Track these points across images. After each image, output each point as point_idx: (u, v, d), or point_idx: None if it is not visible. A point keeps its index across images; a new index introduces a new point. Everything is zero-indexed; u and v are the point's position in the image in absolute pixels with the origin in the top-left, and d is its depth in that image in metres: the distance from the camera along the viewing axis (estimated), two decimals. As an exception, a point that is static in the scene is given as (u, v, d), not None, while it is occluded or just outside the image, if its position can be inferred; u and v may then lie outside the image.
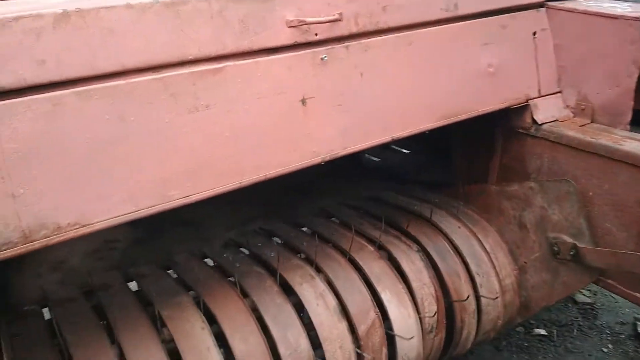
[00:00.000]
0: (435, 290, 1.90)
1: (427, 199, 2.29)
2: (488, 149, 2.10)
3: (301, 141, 1.46)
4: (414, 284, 1.87)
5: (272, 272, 1.82)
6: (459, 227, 2.10)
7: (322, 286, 1.76)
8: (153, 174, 1.25)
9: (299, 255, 1.93)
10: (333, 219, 2.23)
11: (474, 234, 2.08)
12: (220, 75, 1.31)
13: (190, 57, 1.28)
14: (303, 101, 1.45)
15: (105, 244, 2.15)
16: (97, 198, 1.19)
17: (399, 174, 2.79)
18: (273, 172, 1.42)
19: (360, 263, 1.87)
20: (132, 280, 1.84)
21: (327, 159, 1.51)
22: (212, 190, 1.32)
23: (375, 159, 3.04)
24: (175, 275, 1.85)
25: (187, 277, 1.79)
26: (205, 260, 1.96)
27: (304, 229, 2.14)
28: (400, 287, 1.84)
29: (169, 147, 1.26)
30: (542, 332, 2.70)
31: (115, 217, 1.22)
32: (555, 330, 2.71)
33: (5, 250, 1.10)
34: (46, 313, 1.71)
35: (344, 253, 1.92)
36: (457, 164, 2.31)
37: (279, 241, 2.06)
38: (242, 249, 2.00)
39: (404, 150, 3.09)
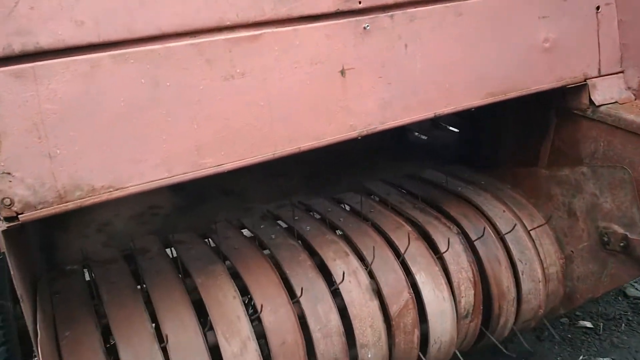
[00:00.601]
0: (474, 275, 1.84)
1: (472, 179, 2.21)
2: (539, 130, 1.99)
3: (338, 114, 1.42)
4: (451, 267, 1.81)
5: (307, 246, 1.80)
6: (504, 211, 2.01)
7: (355, 263, 1.73)
8: (186, 141, 1.25)
9: (335, 231, 1.91)
10: (372, 196, 2.18)
11: (519, 219, 1.99)
12: (257, 43, 1.29)
13: (227, 23, 1.26)
14: (342, 72, 1.40)
15: (149, 210, 2.20)
16: (131, 162, 1.20)
17: (446, 154, 2.71)
18: (307, 145, 1.39)
19: (397, 242, 1.82)
20: (170, 247, 1.87)
21: (365, 133, 1.47)
22: (244, 160, 1.31)
23: (423, 137, 2.96)
24: (212, 244, 1.86)
25: (223, 246, 1.80)
26: (243, 230, 1.97)
27: (343, 205, 2.11)
28: (437, 269, 1.79)
29: (203, 114, 1.25)
30: (588, 324, 2.59)
31: (149, 182, 1.23)
32: (601, 324, 2.59)
33: (40, 209, 1.13)
34: (87, 273, 1.77)
35: (381, 231, 1.88)
36: (505, 145, 2.21)
37: (317, 216, 2.04)
38: (280, 222, 1.99)
39: (453, 129, 2.99)
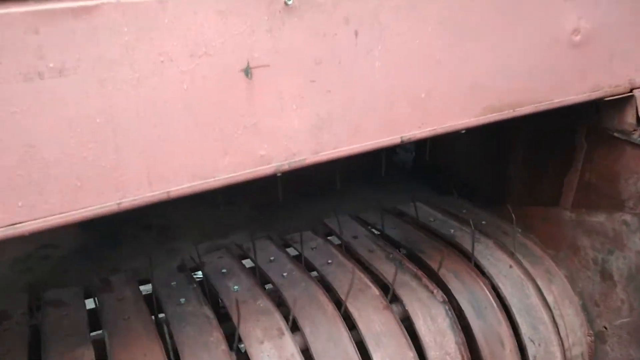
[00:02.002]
0: (463, 358, 1.30)
1: (470, 218, 1.66)
2: (563, 158, 1.44)
3: (239, 138, 0.89)
4: (431, 353, 1.27)
5: (226, 319, 1.28)
6: (510, 267, 1.46)
7: (291, 348, 1.20)
8: None
9: (271, 293, 1.38)
10: (335, 238, 1.65)
11: (532, 279, 1.44)
12: (90, 19, 0.76)
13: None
14: (247, 71, 0.88)
15: (37, 251, 1.68)
16: None
17: (441, 179, 2.16)
18: (182, 188, 0.87)
19: (355, 315, 1.29)
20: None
21: (286, 168, 0.94)
22: (59, 216, 0.79)
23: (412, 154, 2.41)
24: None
25: (105, 314, 1.28)
26: (148, 284, 1.45)
27: (290, 249, 1.58)
28: (410, 355, 1.25)
29: (-17, 139, 0.73)
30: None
31: None
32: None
33: None
34: None
35: (336, 296, 1.35)
36: (514, 175, 1.65)
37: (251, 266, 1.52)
38: (198, 275, 1.47)
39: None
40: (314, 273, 1.45)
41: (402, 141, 1.02)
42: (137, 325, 1.23)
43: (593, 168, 1.37)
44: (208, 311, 1.29)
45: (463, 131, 1.09)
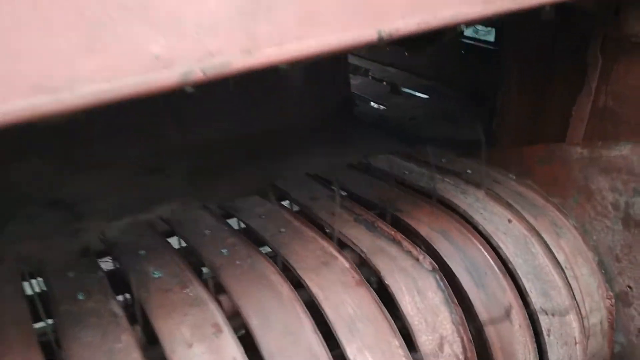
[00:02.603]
0: (464, 345, 1.00)
1: (453, 168, 1.36)
2: (570, 79, 1.14)
3: (115, 23, 0.54)
4: (422, 338, 0.96)
5: (137, 316, 0.93)
6: (509, 221, 1.17)
7: (231, 351, 0.87)
8: None
9: (205, 277, 1.04)
10: (289, 203, 1.31)
11: (537, 234, 1.15)
12: None
13: None
14: None
15: None
16: None
17: (411, 130, 1.86)
18: (9, 111, 0.51)
19: (320, 296, 0.96)
20: None
21: (200, 76, 0.59)
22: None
23: (377, 106, 2.10)
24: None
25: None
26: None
27: (238, 219, 1.24)
28: (395, 344, 0.94)
29: None
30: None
31: None
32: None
33: None
34: None
35: (291, 271, 1.02)
36: (505, 106, 1.35)
37: (181, 245, 1.17)
38: (104, 260, 1.11)
39: (419, 95, 2.14)
40: (266, 249, 1.11)
41: (379, 37, 0.68)
42: (12, 333, 0.87)
43: (611, 89, 1.07)
44: (116, 308, 0.93)
45: (463, 26, 0.76)
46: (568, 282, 1.12)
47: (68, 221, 1.31)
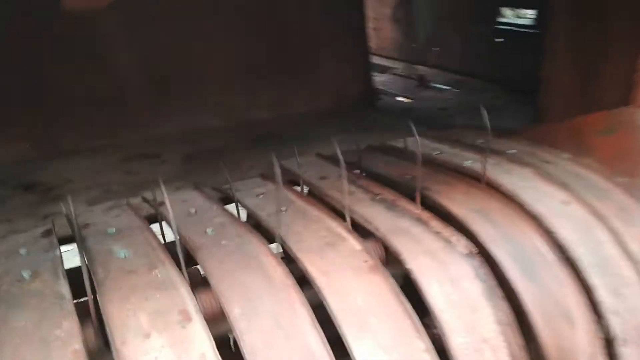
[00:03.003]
0: (512, 353, 0.76)
1: (494, 148, 1.14)
2: (632, 27, 0.92)
3: None
4: (457, 341, 0.73)
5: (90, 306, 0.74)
6: (566, 203, 0.93)
7: (200, 346, 0.66)
8: None
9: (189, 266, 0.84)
10: (296, 185, 1.11)
11: (602, 219, 0.92)
12: None
13: None
14: None
15: None
16: None
17: (441, 119, 1.64)
18: None
19: (322, 283, 0.75)
20: None
21: None
22: None
23: (405, 100, 1.90)
24: None
25: None
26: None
27: (236, 201, 1.04)
28: (419, 346, 0.71)
29: None
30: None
31: None
32: None
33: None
34: None
35: (289, 258, 0.81)
36: (555, 68, 1.12)
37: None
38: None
39: (450, 89, 1.94)
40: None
41: None
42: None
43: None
44: (65, 289, 0.74)
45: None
46: (643, 277, 0.87)
47: (42, 204, 1.14)
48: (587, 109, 1.04)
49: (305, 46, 1.76)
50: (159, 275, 0.76)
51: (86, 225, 0.95)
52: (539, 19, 1.67)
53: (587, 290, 0.84)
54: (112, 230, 0.89)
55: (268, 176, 1.10)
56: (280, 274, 0.76)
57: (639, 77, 0.92)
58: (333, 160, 1.16)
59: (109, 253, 0.82)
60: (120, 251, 0.82)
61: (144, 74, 1.54)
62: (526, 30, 1.72)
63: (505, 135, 1.20)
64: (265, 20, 1.74)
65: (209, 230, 0.88)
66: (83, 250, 0.78)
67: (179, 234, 0.87)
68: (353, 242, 0.82)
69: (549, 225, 0.88)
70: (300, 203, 0.95)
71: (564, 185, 0.97)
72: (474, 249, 0.80)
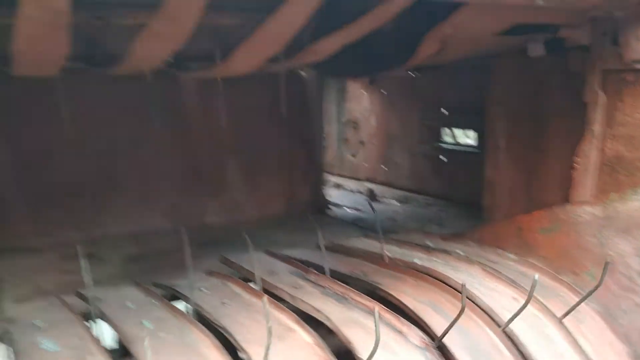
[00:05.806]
0: None
1: (443, 247, 1.15)
2: (568, 125, 1.00)
3: None
4: None
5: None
6: (515, 299, 0.93)
7: None
8: None
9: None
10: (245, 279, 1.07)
11: (552, 316, 0.91)
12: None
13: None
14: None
15: None
16: None
17: (389, 226, 1.67)
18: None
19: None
20: None
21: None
22: None
23: (351, 210, 1.94)
24: None
25: None
26: None
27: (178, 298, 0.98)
28: None
29: None
30: None
31: None
32: None
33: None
34: None
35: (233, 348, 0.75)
36: (496, 169, 1.18)
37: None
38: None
39: (394, 202, 2.01)
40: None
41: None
42: None
43: (618, 132, 0.92)
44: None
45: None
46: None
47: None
48: (530, 207, 1.08)
49: (260, 154, 1.78)
50: (86, 369, 0.68)
51: (12, 320, 0.87)
52: (479, 137, 1.79)
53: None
54: (40, 324, 0.81)
55: (213, 273, 1.06)
56: (221, 365, 0.70)
57: (575, 174, 0.97)
58: (283, 257, 1.14)
59: (33, 345, 0.74)
60: (46, 343, 0.74)
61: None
62: (468, 148, 1.84)
63: (452, 237, 1.22)
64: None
65: (146, 323, 0.81)
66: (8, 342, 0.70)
67: (114, 327, 0.80)
68: (300, 334, 0.78)
69: (502, 319, 0.87)
70: (246, 297, 0.91)
71: (511, 282, 0.98)
72: (427, 340, 0.77)
